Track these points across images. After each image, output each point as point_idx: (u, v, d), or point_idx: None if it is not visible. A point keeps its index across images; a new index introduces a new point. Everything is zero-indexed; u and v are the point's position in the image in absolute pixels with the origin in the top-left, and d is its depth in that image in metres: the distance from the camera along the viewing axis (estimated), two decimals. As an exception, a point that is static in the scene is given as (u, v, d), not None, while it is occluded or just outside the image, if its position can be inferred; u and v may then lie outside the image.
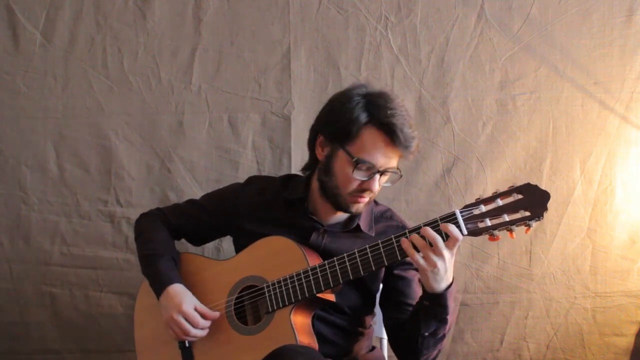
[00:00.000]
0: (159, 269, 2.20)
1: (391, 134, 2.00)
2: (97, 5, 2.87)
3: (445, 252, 1.89)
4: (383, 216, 2.25)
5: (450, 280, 1.96)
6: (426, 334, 2.02)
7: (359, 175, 2.04)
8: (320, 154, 2.14)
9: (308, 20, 2.87)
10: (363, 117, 2.02)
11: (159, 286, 2.18)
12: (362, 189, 2.06)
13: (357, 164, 2.02)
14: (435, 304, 1.98)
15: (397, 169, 2.08)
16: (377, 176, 2.04)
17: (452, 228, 1.87)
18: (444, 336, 2.05)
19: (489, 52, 2.85)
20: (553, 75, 2.84)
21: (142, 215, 2.39)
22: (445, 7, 2.85)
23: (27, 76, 2.88)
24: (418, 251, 1.90)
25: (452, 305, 2.00)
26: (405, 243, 1.92)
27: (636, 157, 2.83)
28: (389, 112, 2.00)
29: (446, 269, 1.91)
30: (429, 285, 1.94)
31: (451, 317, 2.03)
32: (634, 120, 2.83)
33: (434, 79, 2.86)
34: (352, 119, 2.02)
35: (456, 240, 1.88)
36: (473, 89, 2.86)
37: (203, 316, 2.12)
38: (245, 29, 2.88)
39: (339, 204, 2.10)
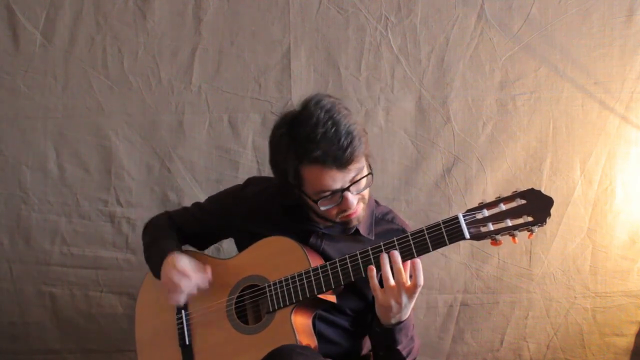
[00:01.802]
0: (161, 246, 2.20)
1: (324, 164, 1.93)
2: (97, 5, 2.88)
3: (404, 298, 1.93)
4: (384, 218, 2.24)
5: (403, 319, 1.98)
6: (380, 353, 2.08)
7: (328, 206, 2.02)
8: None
9: (308, 20, 2.87)
10: (293, 162, 1.97)
11: (160, 258, 2.17)
12: (343, 210, 2.03)
13: (317, 201, 2.00)
14: (384, 334, 2.02)
15: (367, 173, 2.02)
16: (347, 193, 1.99)
17: (418, 272, 1.91)
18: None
19: (489, 52, 2.85)
20: (553, 75, 2.84)
21: (152, 218, 2.41)
22: (445, 7, 2.85)
23: (27, 76, 2.88)
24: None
25: (404, 340, 2.03)
26: (372, 271, 1.95)
27: (636, 157, 2.83)
28: (310, 145, 1.93)
29: (400, 310, 1.95)
30: (379, 314, 1.99)
31: (405, 350, 2.05)
32: (634, 120, 2.83)
33: (434, 79, 2.86)
34: (287, 168, 1.99)
35: (416, 287, 1.91)
36: (473, 89, 2.86)
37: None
38: (245, 29, 2.88)
39: (336, 225, 2.11)
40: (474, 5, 2.84)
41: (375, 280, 1.95)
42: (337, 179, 1.96)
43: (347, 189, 1.98)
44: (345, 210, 2.03)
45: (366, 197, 2.08)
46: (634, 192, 2.84)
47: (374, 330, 2.06)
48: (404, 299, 1.94)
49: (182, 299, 2.11)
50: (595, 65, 2.83)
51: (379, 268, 1.95)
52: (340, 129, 1.93)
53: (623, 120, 2.83)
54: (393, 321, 1.99)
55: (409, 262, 1.95)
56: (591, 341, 2.88)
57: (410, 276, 1.95)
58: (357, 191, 2.02)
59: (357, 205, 2.04)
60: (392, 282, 1.93)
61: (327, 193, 1.98)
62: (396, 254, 1.94)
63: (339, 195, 1.99)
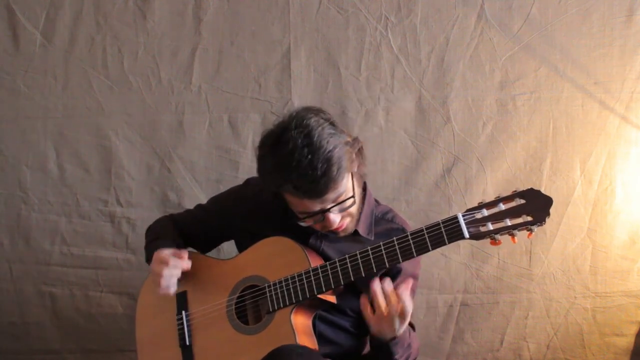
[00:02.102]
0: (158, 244, 2.20)
1: (298, 195, 1.93)
2: (97, 5, 2.88)
3: (396, 323, 1.93)
4: (384, 218, 2.24)
5: (396, 334, 1.98)
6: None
7: (312, 222, 2.03)
8: None
9: (308, 20, 2.87)
10: (274, 185, 1.97)
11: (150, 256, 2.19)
12: (323, 228, 2.05)
13: (298, 220, 2.02)
14: (380, 348, 2.02)
15: (353, 190, 2.00)
16: (328, 214, 1.98)
17: (405, 298, 1.91)
18: None
19: (489, 52, 2.85)
20: (553, 75, 2.84)
21: (154, 222, 2.41)
22: (445, 7, 2.85)
23: (27, 76, 2.88)
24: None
25: (401, 350, 2.04)
26: (364, 299, 1.96)
27: (636, 157, 2.83)
28: (285, 174, 1.90)
29: (394, 332, 1.96)
30: (375, 328, 1.99)
31: (403, 356, 2.06)
32: (634, 120, 2.83)
33: (434, 79, 2.87)
34: (271, 191, 2.00)
35: (404, 313, 1.91)
36: (473, 89, 2.86)
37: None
38: (245, 29, 2.88)
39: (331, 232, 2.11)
40: (474, 5, 2.85)
41: (367, 310, 1.96)
42: (315, 204, 1.96)
43: (328, 210, 1.98)
44: (325, 228, 2.04)
45: (353, 211, 2.06)
46: (634, 192, 2.84)
47: (370, 342, 2.09)
48: (396, 324, 1.95)
49: (168, 286, 2.10)
50: (595, 65, 2.83)
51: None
52: (316, 157, 1.88)
53: (623, 120, 2.83)
54: (388, 337, 2.00)
55: (401, 286, 1.95)
56: (591, 341, 2.88)
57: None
58: (342, 209, 2.01)
59: (343, 220, 2.04)
60: (383, 308, 1.93)
61: (308, 214, 1.99)
62: (387, 281, 1.94)
63: (320, 216, 1.99)
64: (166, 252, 2.12)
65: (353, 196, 2.00)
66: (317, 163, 1.87)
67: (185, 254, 2.14)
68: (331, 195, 1.94)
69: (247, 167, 2.88)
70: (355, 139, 2.03)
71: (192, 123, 2.89)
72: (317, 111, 1.99)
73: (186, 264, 2.13)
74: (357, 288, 2.13)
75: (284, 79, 2.88)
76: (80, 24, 2.88)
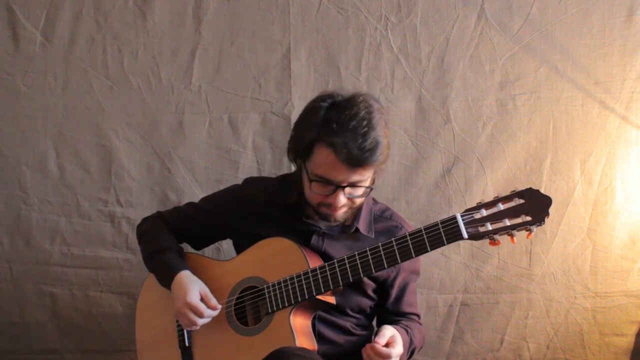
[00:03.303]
0: (167, 261, 2.21)
1: (337, 154, 1.94)
2: (97, 5, 2.87)
3: None
4: (382, 216, 2.25)
5: None
6: None
7: (318, 191, 2.03)
8: (295, 166, 2.16)
9: (308, 20, 2.87)
10: (313, 135, 1.99)
11: (168, 276, 2.18)
12: (327, 203, 2.04)
13: (311, 181, 2.02)
14: None
15: (370, 184, 2.04)
16: (340, 191, 2.00)
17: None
18: None
19: (489, 52, 2.85)
20: (553, 75, 2.84)
21: (144, 219, 2.40)
22: (445, 7, 2.85)
23: (27, 76, 2.88)
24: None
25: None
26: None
27: (636, 157, 2.83)
28: (336, 129, 1.95)
29: None
30: None
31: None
32: (634, 120, 2.83)
33: (434, 79, 2.86)
34: (306, 137, 2.01)
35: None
36: (473, 89, 2.86)
37: (208, 304, 2.12)
38: (245, 29, 2.88)
39: (319, 214, 2.10)
40: (474, 5, 2.84)
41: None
42: (340, 174, 1.97)
43: (343, 187, 1.99)
44: (329, 205, 2.03)
45: (355, 204, 2.08)
46: (634, 192, 2.84)
47: None
48: None
49: (196, 328, 2.14)
50: (595, 65, 2.83)
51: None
52: (370, 133, 1.94)
53: (623, 120, 2.83)
54: None
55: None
56: (591, 341, 2.87)
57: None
58: (350, 195, 2.02)
59: (342, 207, 2.04)
60: None
61: (325, 180, 1.99)
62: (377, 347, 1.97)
63: (333, 188, 2.00)
64: (197, 300, 2.11)
65: (370, 187, 2.04)
66: (369, 139, 1.94)
67: (213, 300, 2.13)
68: (358, 174, 1.98)
69: (247, 167, 2.88)
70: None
71: (192, 123, 2.89)
72: (381, 107, 2.05)
73: (216, 313, 2.13)
74: (357, 287, 2.14)
75: (284, 79, 2.88)
76: (80, 24, 2.88)
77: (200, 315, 2.09)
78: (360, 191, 2.03)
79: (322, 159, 1.98)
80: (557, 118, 2.85)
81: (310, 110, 2.05)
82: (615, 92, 2.83)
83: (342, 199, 2.01)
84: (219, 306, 2.12)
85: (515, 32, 2.84)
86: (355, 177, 1.98)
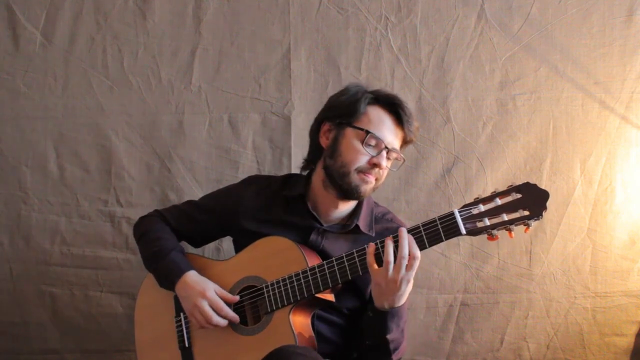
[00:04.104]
0: (171, 261, 2.20)
1: (395, 112, 2.13)
2: (97, 5, 2.88)
3: (402, 271, 1.90)
4: (384, 217, 2.26)
5: (397, 305, 1.96)
6: (368, 342, 2.06)
7: (368, 150, 2.08)
8: (325, 141, 2.18)
9: (308, 20, 2.87)
10: (368, 97, 2.13)
11: (173, 278, 2.18)
12: (372, 164, 2.08)
13: (367, 134, 2.07)
14: (376, 319, 2.00)
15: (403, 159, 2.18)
16: (385, 153, 2.09)
17: (412, 244, 1.92)
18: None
19: (489, 52, 2.85)
20: (553, 75, 2.84)
21: (141, 218, 2.40)
22: (445, 7, 2.85)
23: (27, 76, 2.88)
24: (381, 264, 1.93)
25: (395, 330, 2.02)
26: (371, 247, 1.96)
27: (636, 157, 2.83)
28: (388, 95, 2.16)
29: (395, 291, 1.93)
30: (375, 295, 1.98)
31: (393, 343, 2.04)
32: (634, 120, 2.83)
33: (434, 79, 2.86)
34: (358, 99, 2.14)
35: (414, 258, 1.90)
36: (473, 89, 2.86)
37: (225, 300, 2.12)
38: (245, 29, 2.88)
39: (346, 186, 2.10)
40: (474, 5, 2.85)
41: (372, 256, 1.95)
42: (389, 133, 2.12)
43: (389, 150, 2.09)
44: (373, 166, 2.08)
45: (382, 179, 2.15)
46: (634, 192, 2.84)
47: (367, 316, 2.05)
48: (403, 286, 1.92)
49: (209, 326, 2.14)
50: (595, 65, 2.83)
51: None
52: (412, 113, 2.17)
53: (623, 120, 2.83)
54: (386, 305, 1.97)
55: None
56: (591, 341, 2.87)
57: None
58: (391, 159, 2.13)
59: (381, 172, 2.11)
60: (391, 257, 1.92)
61: (377, 137, 2.08)
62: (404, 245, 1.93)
63: (382, 149, 2.08)
64: (214, 292, 2.13)
65: (404, 160, 2.19)
66: (412, 114, 2.18)
67: (236, 298, 2.14)
68: (405, 135, 2.16)
69: (247, 167, 2.88)
70: None
71: (192, 123, 2.89)
72: None
73: (232, 314, 2.13)
74: (355, 286, 2.14)
75: (284, 79, 2.88)
76: (80, 24, 2.88)
77: (220, 311, 2.10)
78: (401, 158, 2.16)
79: (377, 117, 2.12)
80: (557, 118, 2.85)
81: (351, 87, 2.20)
82: (615, 92, 2.83)
83: (385, 161, 2.10)
84: (237, 297, 2.13)
85: (515, 32, 2.84)
86: (398, 144, 2.13)
